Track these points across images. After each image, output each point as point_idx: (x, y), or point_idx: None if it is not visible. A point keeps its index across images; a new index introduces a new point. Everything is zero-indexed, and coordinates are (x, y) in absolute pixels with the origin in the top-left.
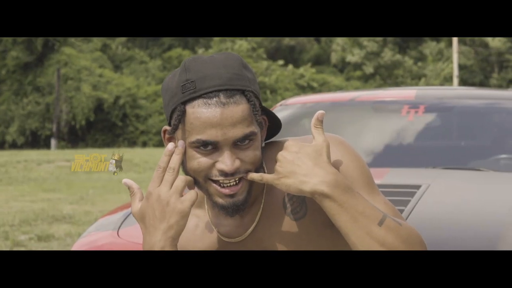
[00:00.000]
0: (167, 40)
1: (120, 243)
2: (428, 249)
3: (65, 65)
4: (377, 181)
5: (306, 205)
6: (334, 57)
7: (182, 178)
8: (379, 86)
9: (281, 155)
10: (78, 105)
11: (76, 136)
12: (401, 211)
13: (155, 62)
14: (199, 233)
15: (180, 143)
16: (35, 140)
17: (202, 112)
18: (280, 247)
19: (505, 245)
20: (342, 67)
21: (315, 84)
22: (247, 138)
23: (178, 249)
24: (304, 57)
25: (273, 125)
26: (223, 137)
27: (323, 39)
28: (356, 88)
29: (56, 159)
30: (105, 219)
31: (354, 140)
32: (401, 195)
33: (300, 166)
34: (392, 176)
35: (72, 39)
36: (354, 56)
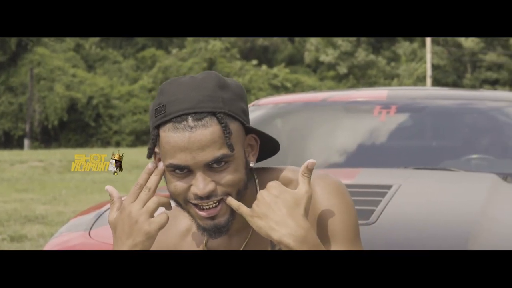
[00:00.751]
0: (140, 40)
1: (92, 243)
2: (399, 249)
3: (38, 65)
4: (349, 181)
5: None
6: (308, 57)
7: (155, 199)
8: (353, 86)
9: (260, 194)
10: (51, 105)
11: (49, 136)
12: (372, 211)
13: (129, 62)
14: (189, 240)
15: (160, 164)
16: (8, 140)
17: (171, 136)
18: None
19: (476, 246)
20: (316, 67)
21: (288, 84)
22: (219, 160)
23: (165, 250)
24: (277, 57)
25: (270, 143)
26: (193, 161)
27: (296, 39)
28: (330, 88)
29: (29, 159)
30: (77, 220)
31: (326, 140)
32: (372, 195)
33: (274, 211)
34: (364, 176)
35: (45, 39)
36: (328, 56)
